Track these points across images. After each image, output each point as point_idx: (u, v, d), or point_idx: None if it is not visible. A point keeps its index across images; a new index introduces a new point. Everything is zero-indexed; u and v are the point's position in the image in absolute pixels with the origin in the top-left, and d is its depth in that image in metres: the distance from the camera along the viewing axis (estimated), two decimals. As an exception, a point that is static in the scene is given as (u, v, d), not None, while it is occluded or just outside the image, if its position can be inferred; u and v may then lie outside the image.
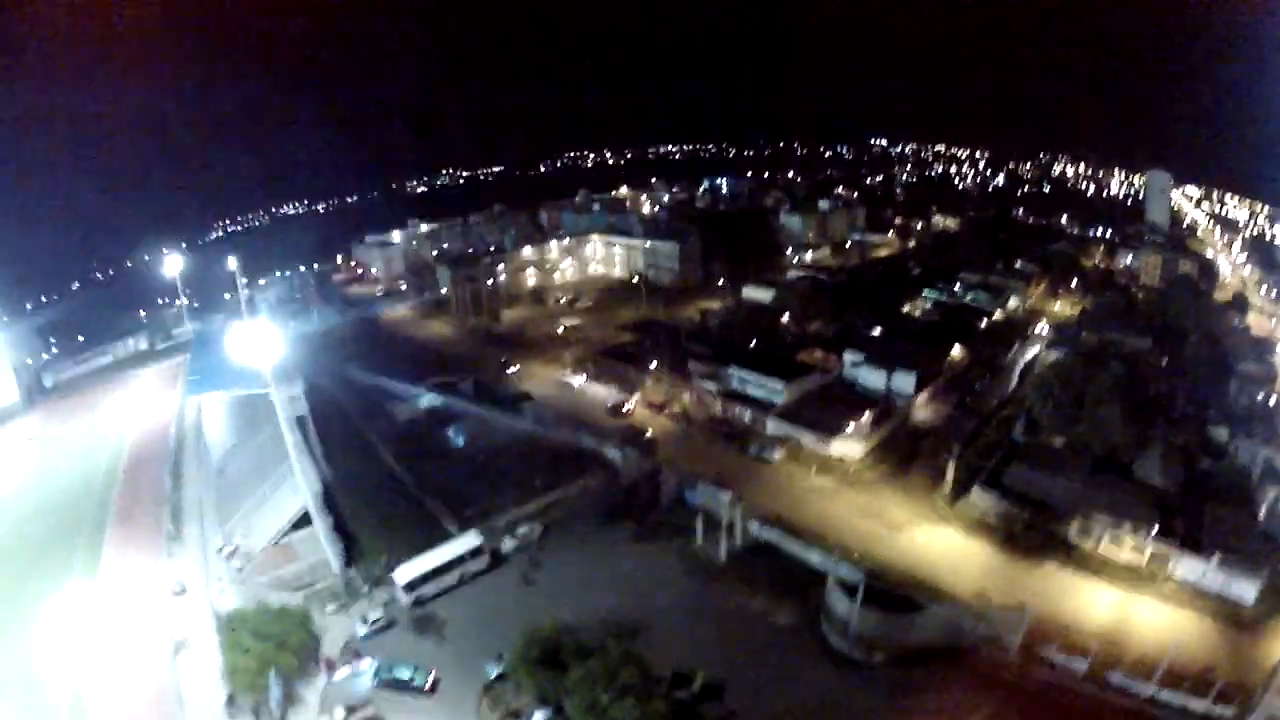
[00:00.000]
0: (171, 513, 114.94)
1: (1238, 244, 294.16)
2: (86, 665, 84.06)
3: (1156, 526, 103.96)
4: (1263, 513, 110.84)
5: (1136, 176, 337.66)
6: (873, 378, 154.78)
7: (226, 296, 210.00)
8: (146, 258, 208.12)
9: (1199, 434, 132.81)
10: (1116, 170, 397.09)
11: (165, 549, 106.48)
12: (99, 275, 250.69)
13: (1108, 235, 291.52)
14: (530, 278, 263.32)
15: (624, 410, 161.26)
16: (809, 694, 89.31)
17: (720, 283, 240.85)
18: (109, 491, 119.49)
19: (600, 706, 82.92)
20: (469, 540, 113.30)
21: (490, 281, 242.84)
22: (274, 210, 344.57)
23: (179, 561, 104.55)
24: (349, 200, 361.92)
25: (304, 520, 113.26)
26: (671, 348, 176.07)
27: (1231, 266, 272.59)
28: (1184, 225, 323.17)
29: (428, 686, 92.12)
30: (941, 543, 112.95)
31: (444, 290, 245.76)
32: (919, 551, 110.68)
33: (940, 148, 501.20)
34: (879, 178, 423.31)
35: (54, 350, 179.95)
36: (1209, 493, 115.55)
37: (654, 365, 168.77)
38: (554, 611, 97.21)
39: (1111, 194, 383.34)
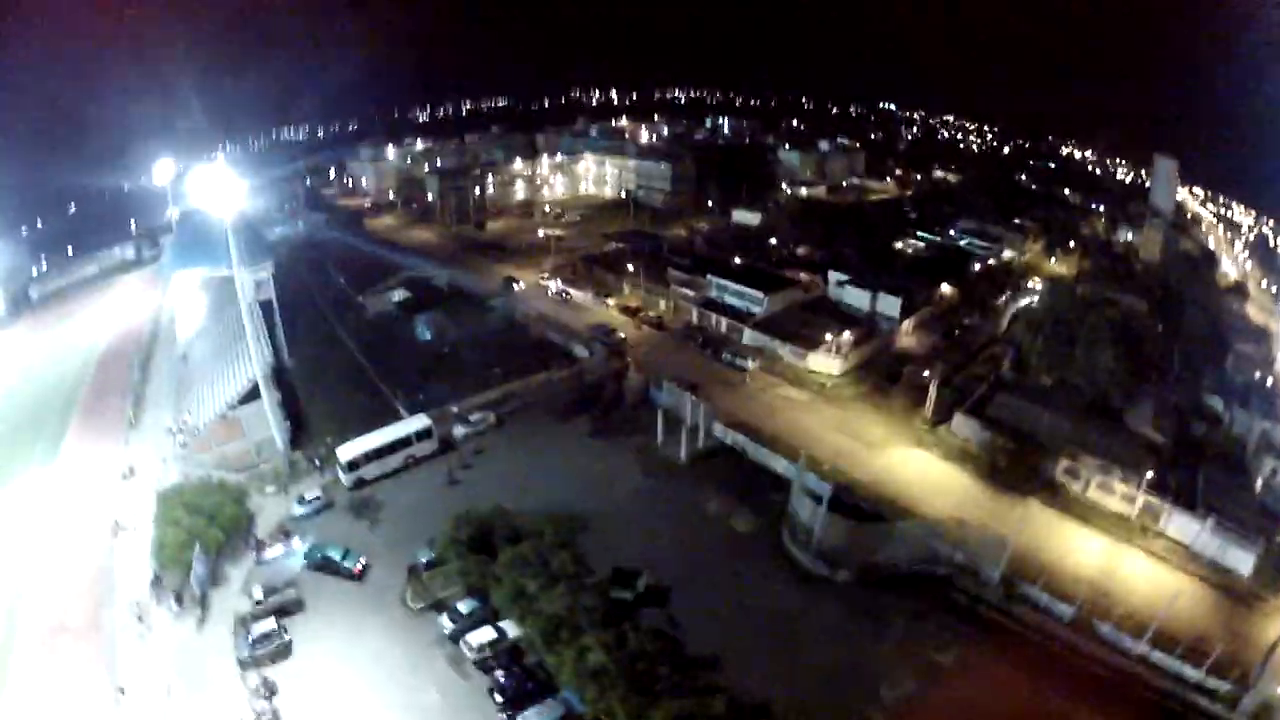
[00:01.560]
0: (134, 401, 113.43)
1: (1240, 242, 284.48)
2: (29, 549, 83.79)
3: (1149, 474, 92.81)
4: (1259, 484, 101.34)
5: (1143, 171, 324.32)
6: (857, 298, 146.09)
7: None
8: (143, 178, 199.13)
9: (1193, 398, 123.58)
10: (1123, 161, 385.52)
11: (124, 436, 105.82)
12: (97, 195, 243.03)
13: (1110, 211, 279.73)
14: (519, 192, 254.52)
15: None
16: (762, 606, 79.62)
17: (710, 204, 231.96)
18: (78, 388, 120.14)
19: (527, 595, 75.08)
20: (417, 422, 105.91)
21: (478, 191, 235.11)
22: (275, 135, 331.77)
23: (134, 447, 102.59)
24: (350, 128, 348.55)
25: (254, 396, 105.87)
26: (653, 258, 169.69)
27: (1233, 261, 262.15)
28: (1188, 216, 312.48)
29: (356, 570, 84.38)
30: (919, 465, 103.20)
31: (430, 197, 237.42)
32: (894, 471, 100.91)
33: (950, 118, 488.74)
34: (882, 134, 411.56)
35: (44, 265, 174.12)
36: (1202, 456, 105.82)
37: (632, 271, 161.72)
38: (498, 500, 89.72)
39: (1117, 178, 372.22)
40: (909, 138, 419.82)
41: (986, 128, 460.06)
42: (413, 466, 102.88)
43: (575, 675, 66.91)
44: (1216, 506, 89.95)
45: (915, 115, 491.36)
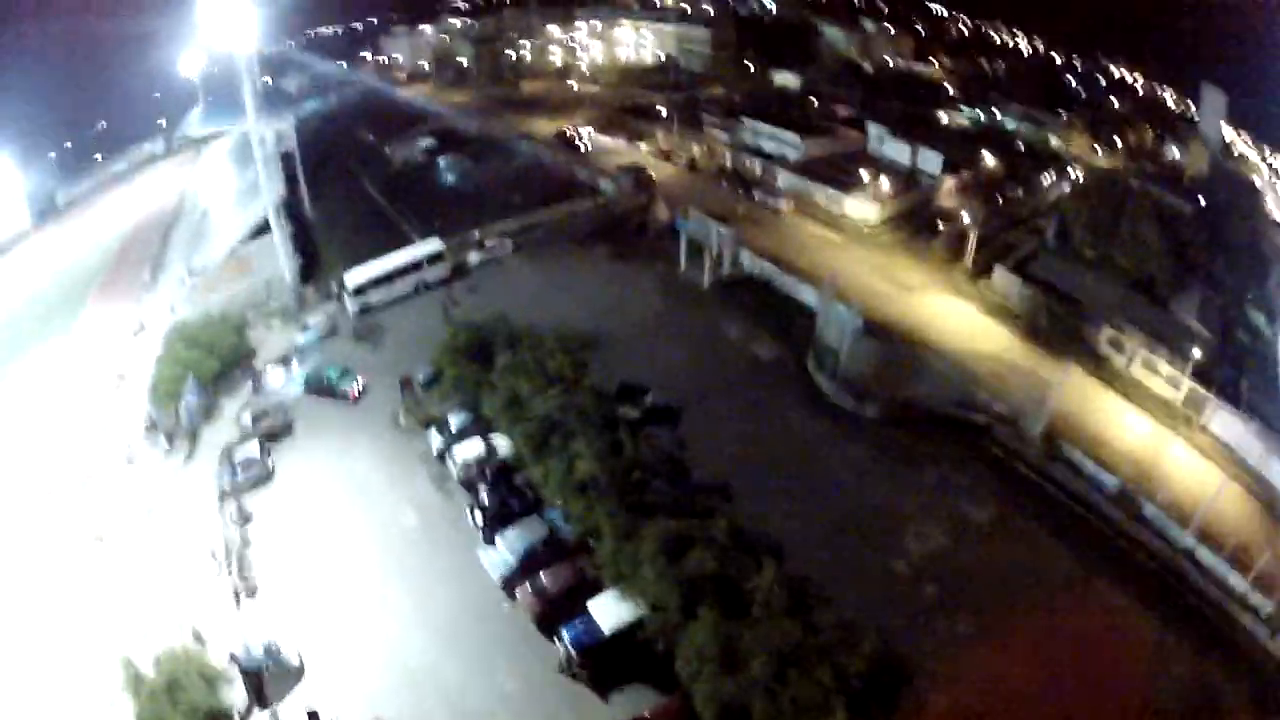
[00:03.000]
0: (152, 267, 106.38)
1: None
2: (31, 412, 77.99)
3: (1195, 356, 78.55)
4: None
5: (1191, 105, 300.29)
6: (898, 152, 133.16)
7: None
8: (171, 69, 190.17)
9: (1237, 307, 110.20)
10: (1172, 90, 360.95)
11: (139, 298, 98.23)
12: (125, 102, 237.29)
13: (1156, 125, 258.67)
14: (556, 59, 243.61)
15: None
16: (780, 437, 70.54)
17: (750, 70, 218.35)
18: (100, 269, 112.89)
19: (520, 400, 66.73)
20: (427, 246, 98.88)
21: (512, 56, 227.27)
22: (311, 33, 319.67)
23: (148, 305, 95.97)
24: (385, 19, 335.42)
25: (265, 232, 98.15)
26: (689, 105, 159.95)
27: (1276, 202, 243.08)
28: (1235, 152, 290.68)
29: (352, 394, 78.02)
30: (957, 314, 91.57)
31: (464, 63, 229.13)
32: (931, 316, 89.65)
33: (1001, 26, 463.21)
34: (929, 27, 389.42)
35: (72, 175, 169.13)
36: (1245, 366, 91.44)
37: (665, 116, 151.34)
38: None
39: (1166, 104, 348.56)
40: (955, 33, 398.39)
41: (1035, 36, 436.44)
42: (423, 292, 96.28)
43: (562, 489, 58.81)
44: (1261, 413, 76.55)
45: (962, 16, 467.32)
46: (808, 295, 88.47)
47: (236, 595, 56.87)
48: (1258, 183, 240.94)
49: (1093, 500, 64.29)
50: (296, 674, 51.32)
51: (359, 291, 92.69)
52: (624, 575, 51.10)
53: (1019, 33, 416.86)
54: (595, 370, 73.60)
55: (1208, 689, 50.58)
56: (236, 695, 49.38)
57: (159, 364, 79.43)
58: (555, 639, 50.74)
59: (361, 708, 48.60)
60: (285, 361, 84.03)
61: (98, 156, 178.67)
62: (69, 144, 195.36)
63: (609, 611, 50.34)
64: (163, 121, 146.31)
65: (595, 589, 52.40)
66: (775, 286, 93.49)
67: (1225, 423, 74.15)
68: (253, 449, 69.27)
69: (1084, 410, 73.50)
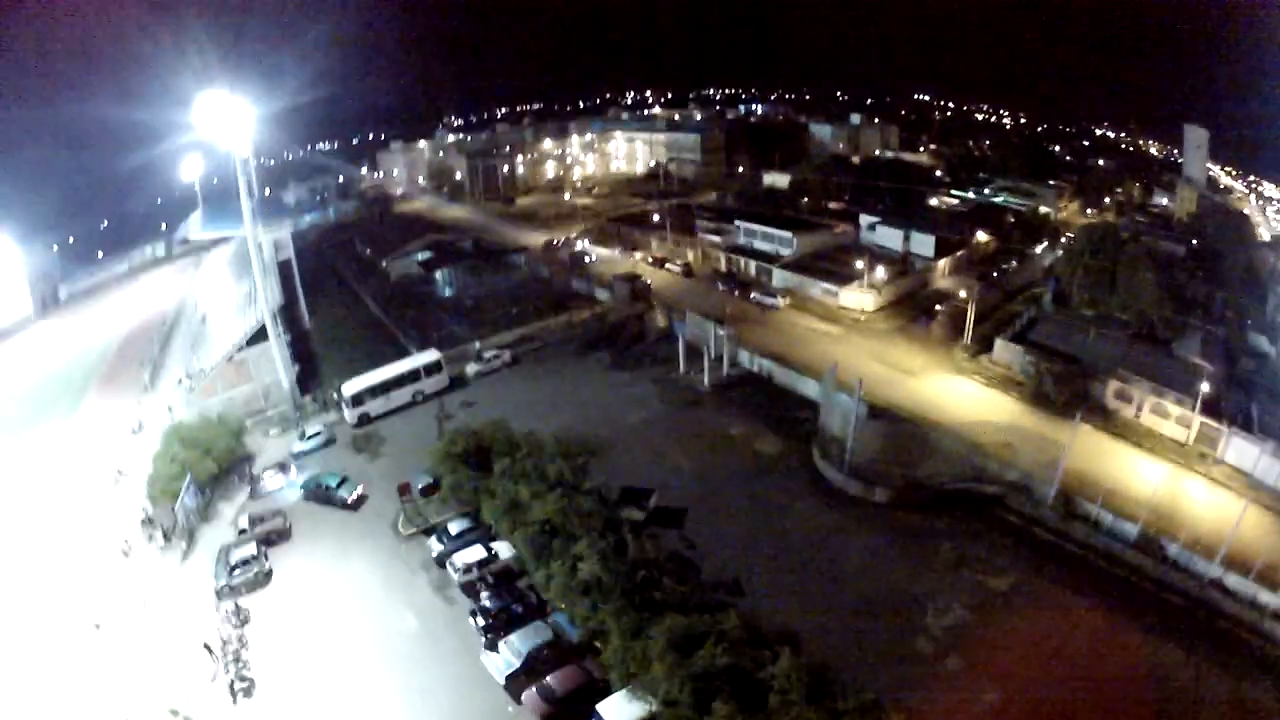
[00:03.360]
0: (151, 369, 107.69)
1: (1272, 209, 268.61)
2: (27, 504, 77.91)
3: (1203, 394, 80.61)
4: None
5: (1174, 151, 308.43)
6: (890, 238, 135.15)
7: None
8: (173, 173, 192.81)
9: (1239, 335, 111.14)
10: (1153, 140, 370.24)
11: (138, 399, 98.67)
12: (127, 204, 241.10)
13: (1142, 176, 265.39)
14: (550, 171, 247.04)
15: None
16: (789, 529, 68.94)
17: (740, 172, 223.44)
18: (99, 366, 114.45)
19: (520, 505, 65.23)
20: (425, 357, 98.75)
21: (506, 169, 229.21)
22: (310, 148, 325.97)
23: (146, 406, 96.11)
24: (383, 137, 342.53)
25: (263, 339, 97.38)
26: (681, 212, 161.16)
27: (1266, 224, 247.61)
28: (1221, 186, 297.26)
29: (351, 499, 76.50)
30: (961, 391, 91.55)
31: (459, 176, 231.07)
32: (935, 397, 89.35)
33: (985, 106, 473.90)
34: (915, 115, 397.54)
35: (73, 270, 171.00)
36: (1254, 388, 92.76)
37: (659, 224, 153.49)
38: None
39: (1150, 154, 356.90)
40: (941, 118, 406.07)
41: (1019, 113, 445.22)
42: (421, 403, 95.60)
43: (566, 591, 56.98)
44: (1275, 434, 76.90)
45: (948, 103, 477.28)
46: (809, 388, 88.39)
47: (233, 691, 54.97)
48: (1247, 211, 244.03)
49: (1115, 551, 63.79)
50: None
51: (357, 401, 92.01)
52: (633, 674, 49.12)
53: (1003, 111, 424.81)
54: (598, 475, 72.22)
55: (1250, 708, 50.16)
56: None
57: (156, 462, 78.57)
58: None
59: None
60: (284, 467, 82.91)
61: (99, 254, 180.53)
62: (71, 238, 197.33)
63: (620, 712, 48.12)
64: (164, 225, 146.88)
65: (604, 692, 50.34)
66: (775, 382, 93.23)
67: (1240, 450, 75.02)
68: (249, 550, 67.71)
69: (1097, 465, 73.03)
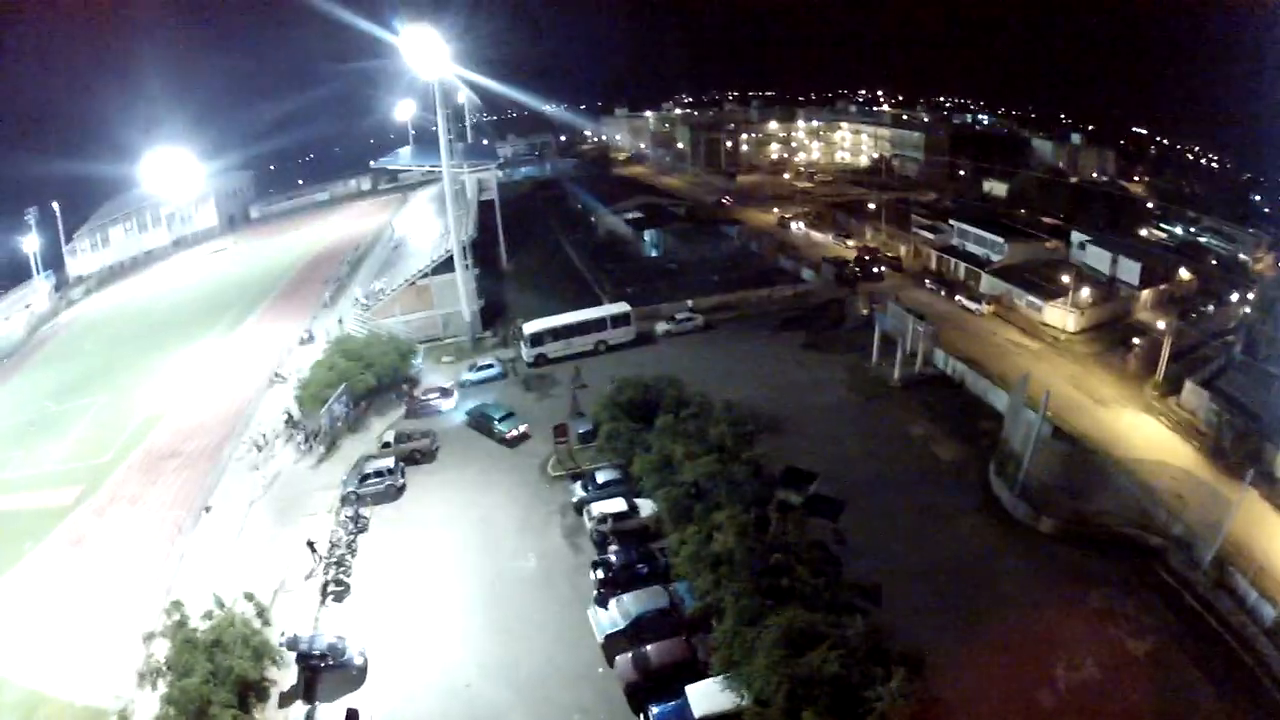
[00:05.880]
0: (335, 288, 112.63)
1: None
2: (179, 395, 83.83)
3: None
4: None
5: None
6: (1098, 259, 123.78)
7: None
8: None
9: None
10: None
11: (314, 313, 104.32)
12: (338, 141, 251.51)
13: None
14: (773, 153, 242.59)
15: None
16: (945, 540, 61.45)
17: (961, 175, 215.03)
18: (280, 279, 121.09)
19: (672, 463, 61.11)
20: (614, 308, 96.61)
21: (730, 144, 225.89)
22: (537, 107, 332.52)
23: (321, 321, 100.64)
24: (610, 104, 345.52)
25: (451, 269, 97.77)
26: (898, 205, 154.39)
27: None
28: None
29: (510, 435, 74.32)
30: (1146, 428, 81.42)
31: (680, 145, 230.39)
32: (1119, 430, 79.94)
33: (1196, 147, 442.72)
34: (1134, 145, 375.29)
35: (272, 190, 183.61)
36: None
37: (874, 214, 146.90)
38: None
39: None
40: (1157, 152, 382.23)
41: (1227, 157, 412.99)
42: (603, 353, 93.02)
43: (694, 560, 51.79)
44: None
45: (1163, 139, 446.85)
46: (999, 399, 79.65)
47: (324, 593, 54.20)
48: None
49: (1248, 635, 53.22)
50: (354, 678, 47.55)
51: (536, 341, 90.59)
52: (735, 661, 43.82)
53: (1212, 155, 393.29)
54: (765, 450, 67.54)
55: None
56: (285, 679, 46.83)
57: (315, 368, 79.47)
58: (641, 715, 44.33)
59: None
60: (447, 392, 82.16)
61: (300, 182, 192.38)
62: (272, 167, 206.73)
63: (708, 700, 43.23)
64: (371, 162, 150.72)
65: (699, 675, 45.50)
66: (966, 388, 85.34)
67: None
68: (385, 462, 66.77)
69: (1254, 536, 61.93)
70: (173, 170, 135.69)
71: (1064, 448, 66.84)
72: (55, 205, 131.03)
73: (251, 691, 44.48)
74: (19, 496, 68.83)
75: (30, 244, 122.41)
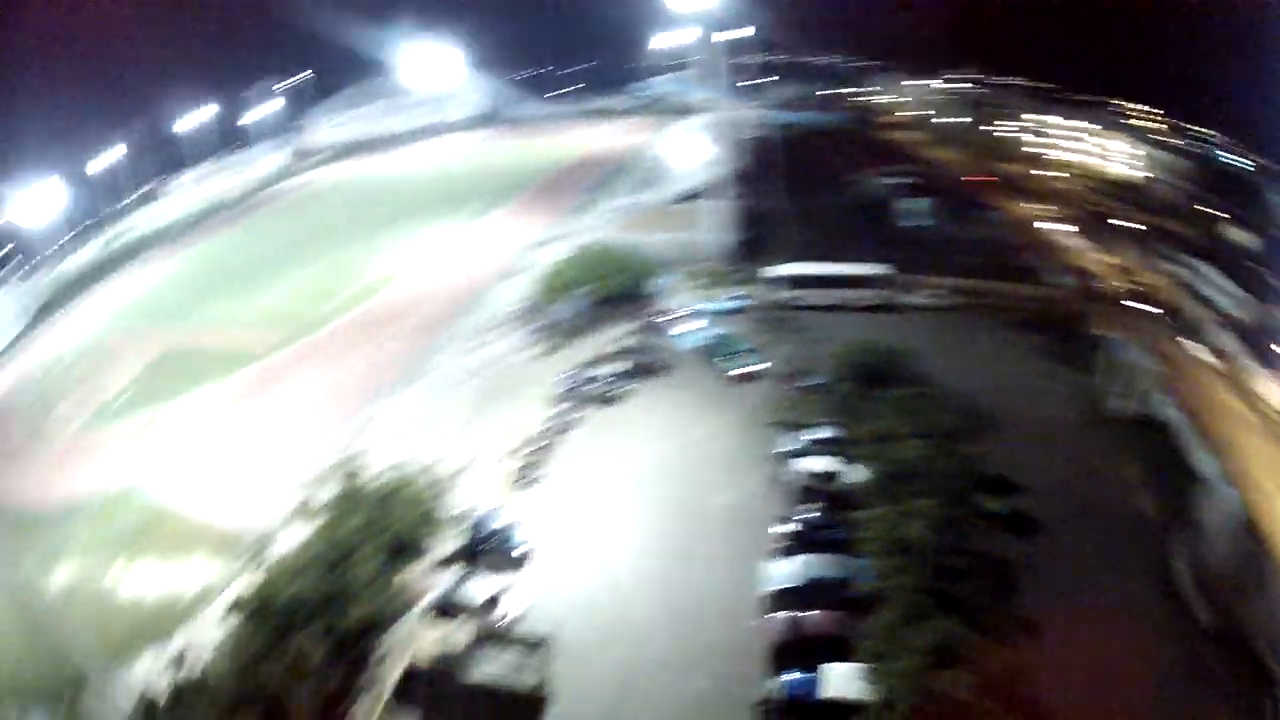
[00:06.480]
0: (587, 196, 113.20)
1: None
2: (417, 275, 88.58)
3: None
4: None
5: None
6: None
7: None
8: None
9: None
10: None
11: (565, 215, 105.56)
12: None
13: None
14: (1046, 149, 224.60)
15: None
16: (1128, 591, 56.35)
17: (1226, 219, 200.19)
18: (531, 179, 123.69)
19: (888, 436, 60.25)
20: (873, 268, 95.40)
21: (1013, 126, 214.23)
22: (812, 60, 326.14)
23: (570, 223, 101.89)
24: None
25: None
26: (1157, 233, 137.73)
27: None
28: None
29: (742, 372, 75.84)
30: None
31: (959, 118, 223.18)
32: None
33: None
34: None
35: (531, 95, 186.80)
36: None
37: (1134, 236, 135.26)
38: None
39: None
40: None
41: None
42: (851, 311, 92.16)
43: (881, 539, 51.12)
44: None
45: None
46: (1206, 463, 72.58)
47: (512, 479, 57.47)
48: None
49: None
50: (510, 565, 50.73)
51: (788, 284, 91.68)
52: (881, 654, 44.01)
53: None
54: (976, 450, 64.42)
55: None
56: (444, 549, 50.08)
57: (557, 266, 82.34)
58: (774, 677, 45.24)
59: (542, 627, 47.41)
60: (688, 317, 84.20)
61: (560, 90, 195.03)
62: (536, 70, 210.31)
63: (839, 684, 43.70)
64: (638, 82, 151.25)
65: (844, 656, 45.35)
66: (1179, 440, 76.32)
67: None
68: (609, 369, 70.03)
69: None
70: (432, 62, 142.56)
71: (1238, 543, 58.77)
72: (309, 75, 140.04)
73: (405, 552, 47.20)
74: (214, 334, 74.55)
75: (264, 111, 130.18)
